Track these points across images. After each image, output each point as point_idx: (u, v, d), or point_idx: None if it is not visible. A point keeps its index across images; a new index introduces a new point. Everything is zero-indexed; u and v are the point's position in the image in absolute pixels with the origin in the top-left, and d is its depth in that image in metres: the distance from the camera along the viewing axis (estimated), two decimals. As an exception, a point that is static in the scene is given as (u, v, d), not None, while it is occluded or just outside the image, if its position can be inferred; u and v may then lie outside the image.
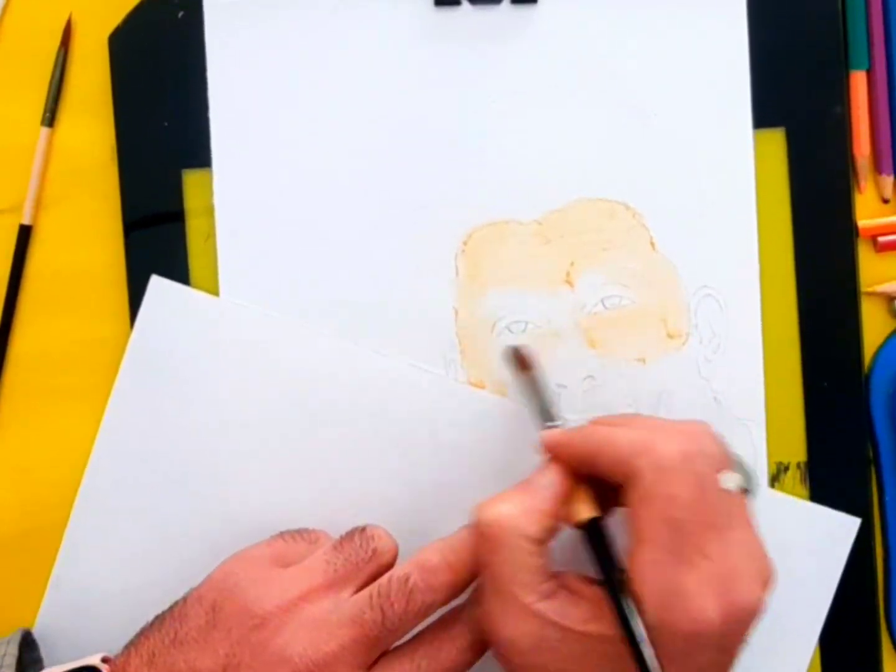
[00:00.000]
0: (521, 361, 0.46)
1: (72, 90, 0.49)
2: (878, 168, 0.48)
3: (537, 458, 0.43)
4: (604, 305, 0.48)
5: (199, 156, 0.48)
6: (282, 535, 0.45)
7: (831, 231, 0.48)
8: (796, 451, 0.48)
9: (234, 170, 0.48)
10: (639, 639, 0.38)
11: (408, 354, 0.48)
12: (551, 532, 0.41)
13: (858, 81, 0.48)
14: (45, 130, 0.48)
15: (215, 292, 0.48)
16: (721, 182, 0.48)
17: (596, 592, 0.40)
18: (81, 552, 0.48)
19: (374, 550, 0.43)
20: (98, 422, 0.48)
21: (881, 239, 0.48)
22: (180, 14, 0.48)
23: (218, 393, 0.48)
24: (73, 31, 0.49)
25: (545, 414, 0.44)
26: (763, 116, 0.48)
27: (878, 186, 0.49)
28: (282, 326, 0.48)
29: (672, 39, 0.48)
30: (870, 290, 0.48)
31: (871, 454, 0.48)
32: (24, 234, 0.49)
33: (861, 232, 0.48)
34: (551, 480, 0.42)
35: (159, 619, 0.42)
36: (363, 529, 0.43)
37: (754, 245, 0.48)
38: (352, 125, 0.48)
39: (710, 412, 0.47)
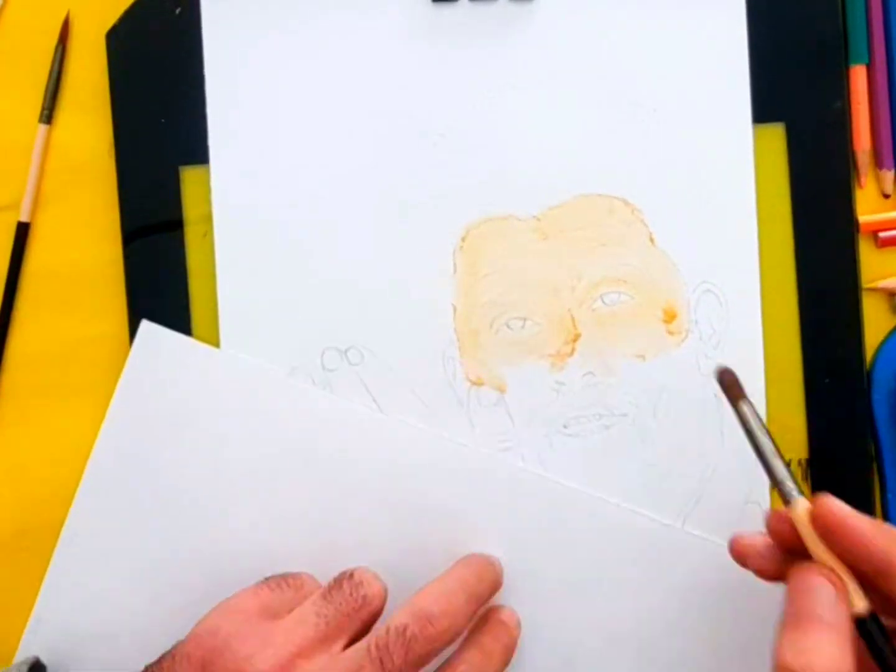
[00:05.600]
0: (730, 389, 0.41)
1: (69, 87, 0.49)
2: (878, 163, 0.48)
3: (525, 512, 0.45)
4: (603, 301, 0.48)
5: (197, 152, 0.48)
6: (267, 581, 0.44)
7: (832, 227, 0.48)
8: (798, 448, 0.48)
9: (231, 166, 0.48)
10: None
11: (406, 351, 0.48)
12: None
13: (858, 76, 0.48)
14: (42, 127, 0.48)
15: (213, 288, 0.48)
16: (720, 177, 0.47)
17: None
18: (62, 595, 0.48)
19: (364, 597, 0.42)
20: (95, 420, 0.48)
21: (882, 234, 0.48)
22: (177, 11, 0.48)
23: (206, 440, 0.47)
24: (71, 29, 0.49)
25: (785, 470, 0.39)
26: (762, 111, 0.47)
27: (879, 181, 0.48)
28: (272, 377, 0.48)
29: (671, 34, 0.47)
30: (871, 286, 0.48)
31: (872, 451, 0.48)
32: (23, 232, 0.49)
33: (862, 227, 0.48)
34: (835, 599, 0.37)
35: None
36: (351, 575, 0.43)
37: (754, 241, 0.47)
38: (349, 121, 0.48)
39: (709, 409, 0.47)
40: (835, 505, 0.37)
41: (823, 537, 0.38)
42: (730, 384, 0.41)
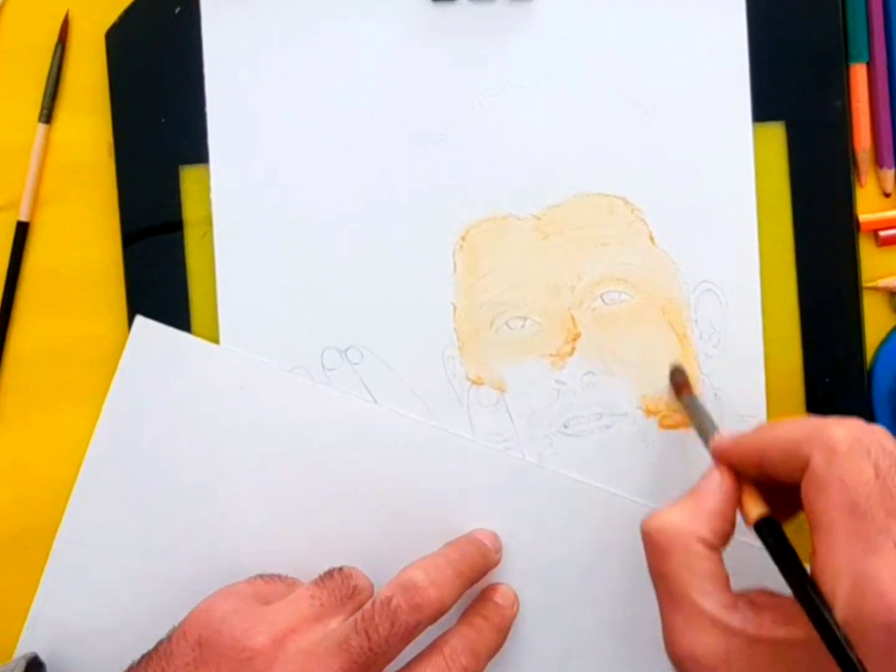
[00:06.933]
0: (679, 384, 0.46)
1: (69, 87, 0.49)
2: (878, 162, 0.48)
3: (521, 504, 0.45)
4: (603, 301, 0.48)
5: (197, 152, 0.48)
6: (260, 576, 0.45)
7: (832, 226, 0.48)
8: (798, 447, 0.48)
9: (231, 166, 0.48)
10: (838, 636, 0.34)
11: (406, 350, 0.48)
12: (725, 536, 0.39)
13: (858, 74, 0.48)
14: (42, 127, 0.48)
15: (213, 288, 0.48)
16: (721, 176, 0.47)
17: (779, 602, 0.38)
18: (60, 592, 0.48)
19: (355, 587, 0.43)
20: (95, 419, 0.48)
21: (882, 233, 0.48)
22: (177, 10, 0.48)
23: (201, 434, 0.47)
24: (71, 28, 0.49)
25: (709, 427, 0.43)
26: (763, 110, 0.47)
27: (879, 180, 0.48)
28: (266, 370, 0.47)
29: (671, 33, 0.47)
30: (871, 285, 0.48)
31: (873, 450, 0.48)
32: (22, 231, 0.49)
33: (862, 226, 0.48)
34: (717, 482, 0.40)
35: (145, 659, 0.42)
36: (340, 569, 0.43)
37: (754, 240, 0.47)
38: (349, 120, 0.48)
39: (710, 408, 0.47)
40: (717, 439, 0.42)
41: (726, 464, 0.41)
42: (680, 381, 0.47)
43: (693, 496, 0.40)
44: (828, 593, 0.35)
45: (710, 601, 0.38)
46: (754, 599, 0.38)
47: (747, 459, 0.40)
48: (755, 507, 0.39)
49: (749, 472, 0.40)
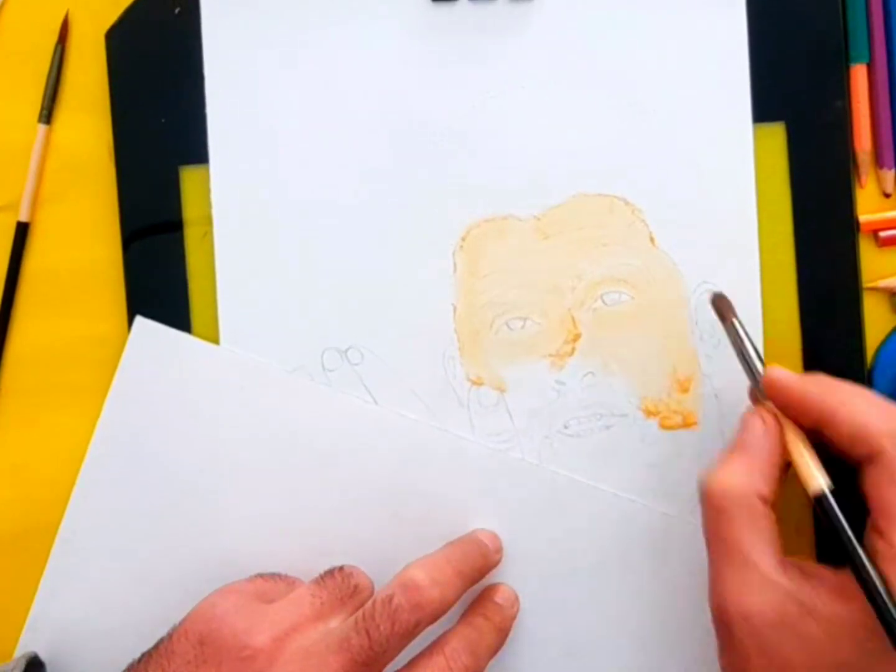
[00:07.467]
0: (721, 310, 0.45)
1: (69, 87, 0.49)
2: (879, 162, 0.48)
3: (521, 504, 0.45)
4: (603, 301, 0.48)
5: (197, 152, 0.48)
6: (260, 575, 0.45)
7: (832, 226, 0.48)
8: (798, 448, 0.48)
9: (231, 166, 0.48)
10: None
11: (406, 351, 0.48)
12: (778, 485, 0.40)
13: (859, 75, 0.48)
14: (42, 128, 0.49)
15: (213, 288, 0.48)
16: (721, 177, 0.47)
17: (832, 577, 0.38)
18: (60, 592, 0.48)
19: (356, 586, 0.43)
20: (95, 420, 0.48)
21: (882, 234, 0.48)
22: (177, 10, 0.48)
23: (202, 435, 0.48)
24: (70, 29, 0.49)
25: (754, 357, 0.43)
26: (763, 111, 0.47)
27: (880, 181, 0.48)
28: (266, 371, 0.48)
29: (671, 33, 0.47)
30: (871, 285, 0.48)
31: (873, 451, 0.48)
32: (22, 232, 0.49)
33: (862, 227, 0.48)
34: (762, 431, 0.41)
35: (146, 658, 0.42)
36: (341, 568, 0.44)
37: (755, 240, 0.47)
38: (349, 120, 0.48)
39: (711, 409, 0.47)
40: (775, 371, 0.41)
41: (777, 404, 0.41)
42: (723, 307, 0.46)
43: (743, 450, 0.41)
44: (890, 578, 0.36)
45: (767, 561, 0.38)
46: (809, 571, 0.39)
47: (802, 409, 0.40)
48: (817, 478, 0.39)
49: (799, 419, 0.41)
